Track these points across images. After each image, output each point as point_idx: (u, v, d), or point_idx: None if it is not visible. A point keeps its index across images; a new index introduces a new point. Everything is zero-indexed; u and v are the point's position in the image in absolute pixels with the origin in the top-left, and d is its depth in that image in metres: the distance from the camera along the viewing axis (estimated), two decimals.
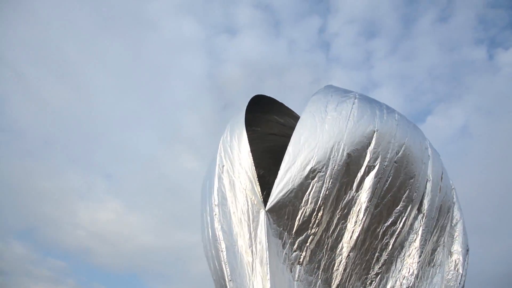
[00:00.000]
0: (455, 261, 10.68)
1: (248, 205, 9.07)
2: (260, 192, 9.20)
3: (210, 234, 9.46)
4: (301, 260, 9.31)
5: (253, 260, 8.72)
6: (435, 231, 10.48)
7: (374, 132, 9.67)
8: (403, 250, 9.99)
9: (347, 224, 9.63)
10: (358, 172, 9.64)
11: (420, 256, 9.94)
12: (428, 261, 10.44)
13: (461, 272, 10.50)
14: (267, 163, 12.83)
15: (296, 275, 9.11)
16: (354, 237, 9.57)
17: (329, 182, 9.28)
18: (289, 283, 8.99)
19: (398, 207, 9.88)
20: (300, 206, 9.26)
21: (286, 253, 9.05)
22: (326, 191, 9.27)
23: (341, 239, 9.60)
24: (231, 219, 9.20)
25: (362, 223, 9.59)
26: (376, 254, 9.85)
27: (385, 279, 9.89)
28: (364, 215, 9.55)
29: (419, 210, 10.16)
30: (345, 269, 9.50)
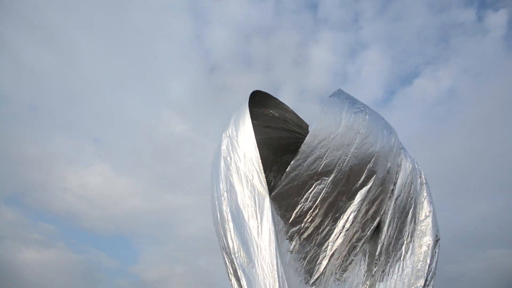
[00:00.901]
0: (424, 253, 11.47)
1: (254, 193, 9.72)
2: (266, 182, 9.91)
3: (219, 216, 10.06)
4: (290, 248, 10.20)
5: (258, 238, 9.32)
6: (403, 230, 11.66)
7: (375, 153, 10.90)
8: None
9: (335, 227, 10.74)
10: (355, 184, 10.80)
11: (381, 255, 11.28)
12: (396, 256, 11.37)
13: (428, 262, 11.29)
14: (265, 154, 13.61)
15: (287, 260, 9.92)
16: (339, 239, 10.65)
17: (329, 187, 10.54)
18: (284, 265, 9.65)
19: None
20: (300, 201, 10.37)
21: (279, 239, 9.81)
22: (325, 194, 10.50)
23: (328, 238, 10.69)
24: (238, 203, 9.78)
25: (348, 228, 10.76)
26: (351, 257, 11.18)
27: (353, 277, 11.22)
28: (350, 222, 10.71)
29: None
30: (326, 265, 10.51)
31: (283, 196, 10.18)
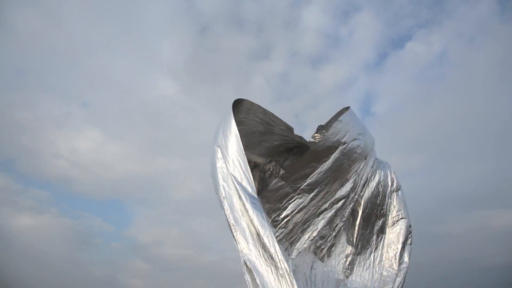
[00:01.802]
0: (393, 258, 11.22)
1: (245, 194, 9.85)
2: (254, 183, 10.03)
3: (227, 221, 10.33)
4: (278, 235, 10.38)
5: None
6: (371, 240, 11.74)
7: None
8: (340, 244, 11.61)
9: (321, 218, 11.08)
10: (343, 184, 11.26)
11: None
12: (365, 260, 11.39)
13: (396, 268, 10.96)
14: (255, 157, 14.32)
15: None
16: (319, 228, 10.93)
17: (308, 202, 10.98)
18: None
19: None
20: (280, 207, 10.75)
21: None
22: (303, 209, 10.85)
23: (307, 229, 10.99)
24: (234, 208, 10.03)
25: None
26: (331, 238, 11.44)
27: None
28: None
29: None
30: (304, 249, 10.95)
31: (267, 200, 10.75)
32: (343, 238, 11.39)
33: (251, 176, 10.02)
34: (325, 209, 10.98)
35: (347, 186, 11.16)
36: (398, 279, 10.39)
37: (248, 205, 9.38)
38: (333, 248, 11.16)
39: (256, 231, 9.10)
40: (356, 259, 11.07)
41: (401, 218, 11.28)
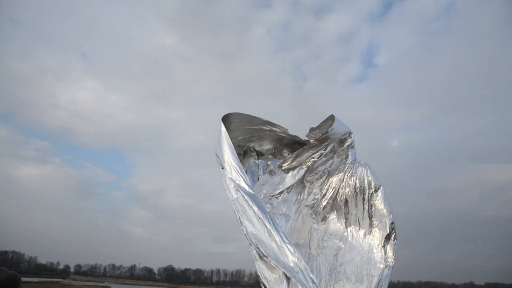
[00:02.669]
0: (380, 253, 11.05)
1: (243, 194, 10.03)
2: (249, 183, 10.21)
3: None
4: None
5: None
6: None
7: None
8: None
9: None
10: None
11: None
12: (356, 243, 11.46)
13: (382, 263, 10.79)
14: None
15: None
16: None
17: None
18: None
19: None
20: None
21: None
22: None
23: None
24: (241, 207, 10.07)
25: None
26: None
27: None
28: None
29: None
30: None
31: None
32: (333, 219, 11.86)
33: (246, 176, 10.41)
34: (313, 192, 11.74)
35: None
36: (386, 271, 10.83)
37: (247, 199, 9.87)
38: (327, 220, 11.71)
39: (257, 217, 9.64)
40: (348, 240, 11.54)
41: (384, 217, 11.44)
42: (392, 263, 10.35)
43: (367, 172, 11.62)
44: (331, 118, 12.34)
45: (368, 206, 11.42)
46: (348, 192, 11.62)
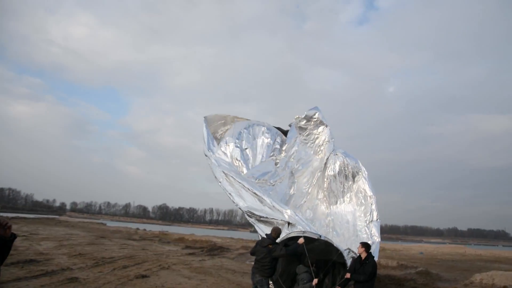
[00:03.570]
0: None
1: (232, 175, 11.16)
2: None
3: None
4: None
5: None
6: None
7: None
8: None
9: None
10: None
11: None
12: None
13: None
14: None
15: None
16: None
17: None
18: None
19: None
20: None
21: None
22: None
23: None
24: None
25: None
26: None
27: None
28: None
29: None
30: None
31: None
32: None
33: (233, 166, 11.67)
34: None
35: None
36: (373, 247, 11.66)
37: (233, 176, 10.82)
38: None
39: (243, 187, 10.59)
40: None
41: (366, 198, 11.82)
42: (378, 239, 11.10)
43: (344, 159, 12.33)
44: (316, 108, 13.10)
45: (352, 189, 12.18)
46: (332, 175, 12.41)
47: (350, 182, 12.16)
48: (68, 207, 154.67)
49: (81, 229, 37.74)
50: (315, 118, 13.20)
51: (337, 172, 12.25)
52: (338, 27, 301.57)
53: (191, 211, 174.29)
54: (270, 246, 7.88)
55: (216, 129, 13.83)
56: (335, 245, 9.03)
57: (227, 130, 13.98)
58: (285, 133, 13.93)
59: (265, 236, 8.22)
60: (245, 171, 11.83)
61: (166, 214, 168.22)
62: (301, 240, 7.85)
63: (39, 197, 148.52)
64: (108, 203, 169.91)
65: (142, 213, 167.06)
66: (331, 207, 12.24)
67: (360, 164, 11.96)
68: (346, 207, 12.08)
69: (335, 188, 12.35)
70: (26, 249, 16.69)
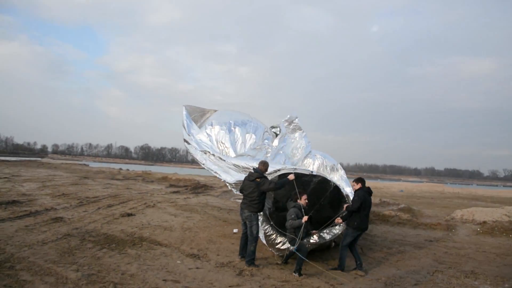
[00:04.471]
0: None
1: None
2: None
3: None
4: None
5: None
6: None
7: None
8: None
9: None
10: None
11: None
12: None
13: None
14: None
15: None
16: None
17: None
18: None
19: None
20: None
21: None
22: None
23: None
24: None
25: None
26: None
27: None
28: None
29: None
30: None
31: None
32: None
33: (216, 149, 11.90)
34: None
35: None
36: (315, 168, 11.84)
37: (216, 155, 11.09)
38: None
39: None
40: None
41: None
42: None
43: (324, 160, 12.16)
44: (295, 114, 13.63)
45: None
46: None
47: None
48: (49, 149, 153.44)
49: (64, 170, 37.59)
50: (295, 122, 13.42)
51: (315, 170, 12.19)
52: None
53: (173, 150, 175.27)
54: (258, 179, 7.84)
55: (195, 119, 13.71)
56: (328, 178, 9.20)
57: (208, 117, 13.90)
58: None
59: (252, 171, 8.16)
60: (232, 154, 11.73)
61: (149, 154, 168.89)
62: (291, 176, 7.84)
63: (19, 140, 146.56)
64: (90, 144, 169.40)
65: (125, 154, 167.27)
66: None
67: (339, 166, 11.84)
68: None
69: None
70: (8, 190, 16.55)
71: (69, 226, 9.93)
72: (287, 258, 8.10)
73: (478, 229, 13.72)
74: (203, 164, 11.00)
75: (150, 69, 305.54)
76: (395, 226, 14.32)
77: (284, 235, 8.23)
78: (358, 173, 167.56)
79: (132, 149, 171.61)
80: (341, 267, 7.86)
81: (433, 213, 18.72)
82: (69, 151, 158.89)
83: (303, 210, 7.88)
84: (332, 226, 8.77)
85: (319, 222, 8.80)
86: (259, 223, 8.07)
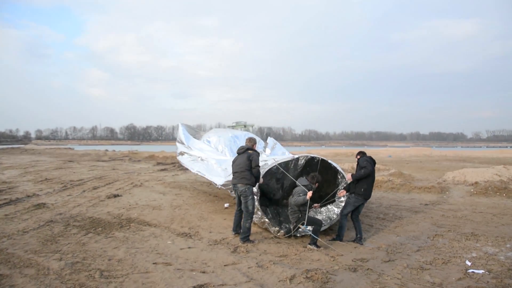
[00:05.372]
0: None
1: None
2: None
3: None
4: None
5: None
6: None
7: None
8: None
9: None
10: None
11: None
12: None
13: None
14: None
15: None
16: None
17: None
18: None
19: None
20: None
21: None
22: None
23: None
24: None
25: None
26: None
27: None
28: None
29: None
30: None
31: None
32: None
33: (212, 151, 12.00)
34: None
35: None
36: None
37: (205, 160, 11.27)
38: None
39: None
40: None
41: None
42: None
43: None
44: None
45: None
46: None
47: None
48: (33, 135, 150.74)
49: (48, 155, 36.76)
50: (275, 142, 13.90)
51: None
52: None
53: (159, 129, 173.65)
54: (250, 151, 7.51)
55: (191, 134, 13.65)
56: (329, 162, 8.95)
57: (203, 134, 13.87)
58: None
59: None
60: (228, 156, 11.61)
61: (134, 134, 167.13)
62: (261, 180, 7.80)
63: (1, 127, 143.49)
64: (74, 127, 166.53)
65: (110, 135, 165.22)
66: None
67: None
68: None
69: None
70: None
71: (52, 212, 9.45)
72: (292, 232, 7.69)
73: (472, 190, 13.60)
74: (199, 172, 10.66)
75: (131, 47, 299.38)
76: (389, 191, 14.14)
77: (279, 225, 8.25)
78: (344, 141, 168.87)
79: (117, 130, 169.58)
80: (339, 237, 7.57)
81: (424, 176, 18.62)
82: (53, 136, 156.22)
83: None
84: (337, 200, 8.91)
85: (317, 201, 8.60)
86: (255, 201, 7.68)
